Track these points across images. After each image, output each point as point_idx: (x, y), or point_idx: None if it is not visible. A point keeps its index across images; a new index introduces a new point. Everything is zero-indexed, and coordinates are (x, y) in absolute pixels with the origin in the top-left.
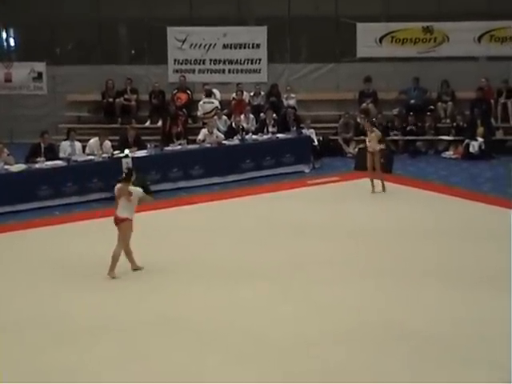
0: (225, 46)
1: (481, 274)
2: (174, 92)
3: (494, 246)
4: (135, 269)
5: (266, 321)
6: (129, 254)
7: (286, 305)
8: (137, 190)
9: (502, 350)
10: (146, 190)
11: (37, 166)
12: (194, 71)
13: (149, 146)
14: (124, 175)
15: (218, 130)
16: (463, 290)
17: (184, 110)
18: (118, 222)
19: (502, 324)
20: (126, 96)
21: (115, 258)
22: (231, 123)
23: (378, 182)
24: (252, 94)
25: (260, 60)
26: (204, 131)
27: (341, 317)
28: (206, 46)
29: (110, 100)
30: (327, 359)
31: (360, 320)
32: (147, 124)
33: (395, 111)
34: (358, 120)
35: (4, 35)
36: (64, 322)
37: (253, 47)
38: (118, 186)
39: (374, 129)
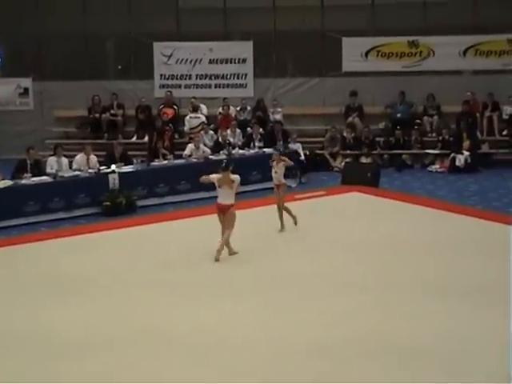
0: (211, 61)
1: (469, 287)
2: (161, 107)
3: (481, 259)
4: (232, 253)
5: (255, 335)
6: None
7: (273, 319)
8: (237, 177)
9: (494, 363)
10: (132, 205)
11: (23, 181)
12: (180, 86)
13: (135, 161)
14: (224, 165)
15: (205, 144)
16: (450, 303)
17: (170, 125)
18: (225, 209)
19: (492, 337)
20: (112, 111)
21: (227, 243)
22: (218, 138)
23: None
24: (238, 108)
25: (246, 75)
26: (190, 146)
27: (328, 330)
28: (192, 61)
29: (97, 115)
30: (314, 372)
31: (347, 333)
32: (134, 139)
33: (381, 125)
34: (344, 134)
35: None
36: (52, 338)
37: (239, 62)
38: (218, 176)
39: (284, 158)
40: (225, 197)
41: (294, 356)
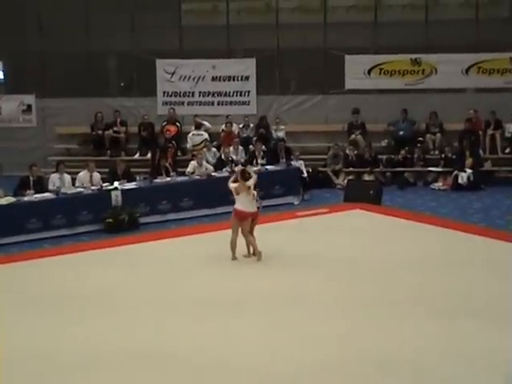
0: (214, 79)
1: (469, 305)
2: (164, 124)
3: (483, 277)
4: (247, 256)
5: (257, 355)
6: (239, 241)
7: (276, 338)
8: (251, 183)
9: (495, 381)
10: (135, 222)
11: (26, 198)
12: (183, 103)
13: (138, 178)
14: (240, 173)
15: (208, 161)
16: (455, 322)
17: (173, 142)
18: (250, 217)
19: (497, 356)
20: (115, 128)
21: (253, 244)
22: (220, 155)
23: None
24: (241, 125)
25: (249, 92)
26: (193, 163)
27: (331, 349)
28: (195, 78)
29: (100, 132)
30: None
31: (351, 353)
32: (136, 156)
33: (384, 143)
34: (347, 151)
35: None
36: (49, 357)
37: (242, 79)
38: (235, 184)
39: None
40: (246, 204)
41: (299, 377)
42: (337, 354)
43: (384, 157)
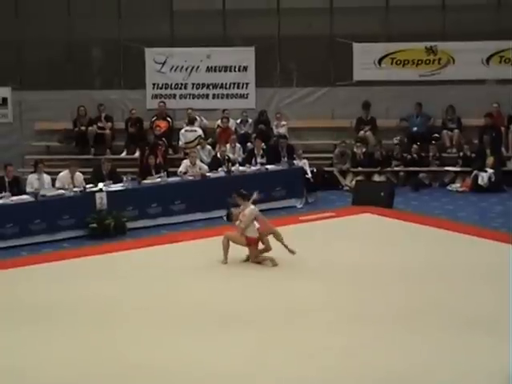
0: (209, 69)
1: (487, 318)
2: (153, 119)
3: (504, 288)
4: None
5: (253, 371)
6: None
7: (276, 353)
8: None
9: None
10: (122, 227)
11: (0, 201)
12: (174, 96)
13: (125, 178)
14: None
15: (202, 161)
16: (467, 336)
17: (164, 139)
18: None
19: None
20: (99, 124)
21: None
22: (216, 153)
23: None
24: (239, 121)
25: (247, 84)
26: (186, 162)
27: (333, 366)
28: (188, 68)
29: (83, 128)
30: None
31: (354, 371)
32: (123, 155)
33: (396, 140)
34: (355, 150)
35: None
36: (28, 376)
37: (239, 70)
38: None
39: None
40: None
41: None
42: (338, 370)
43: (396, 155)
